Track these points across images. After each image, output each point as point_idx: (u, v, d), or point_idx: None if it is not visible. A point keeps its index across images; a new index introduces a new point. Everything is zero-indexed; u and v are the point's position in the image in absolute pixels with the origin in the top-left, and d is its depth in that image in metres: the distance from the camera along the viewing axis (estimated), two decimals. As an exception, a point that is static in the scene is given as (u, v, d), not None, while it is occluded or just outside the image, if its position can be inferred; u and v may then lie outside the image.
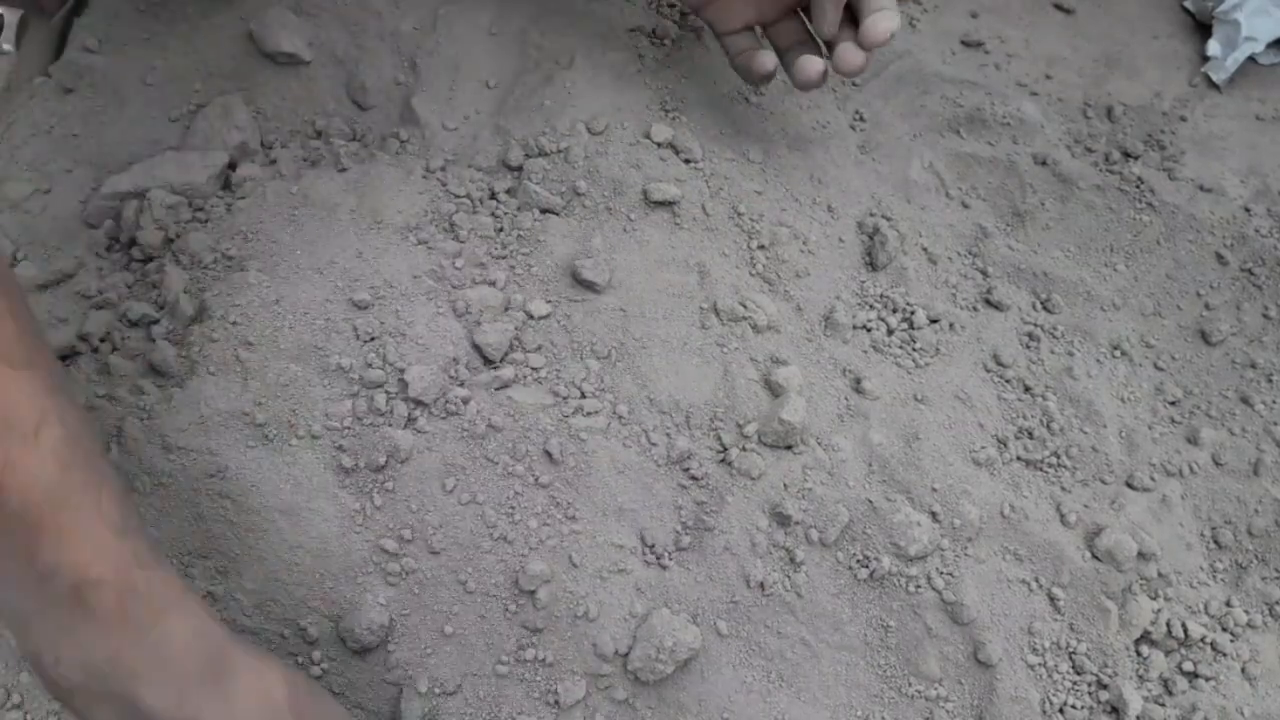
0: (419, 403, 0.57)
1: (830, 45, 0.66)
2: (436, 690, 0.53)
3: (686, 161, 0.69)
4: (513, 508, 0.56)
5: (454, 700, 0.54)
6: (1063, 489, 0.66)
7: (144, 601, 0.42)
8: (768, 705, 0.56)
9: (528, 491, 0.57)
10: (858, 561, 0.59)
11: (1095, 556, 0.62)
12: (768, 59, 0.68)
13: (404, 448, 0.55)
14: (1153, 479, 0.68)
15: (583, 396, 0.59)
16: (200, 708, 0.43)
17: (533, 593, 0.55)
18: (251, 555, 0.54)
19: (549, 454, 0.57)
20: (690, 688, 0.56)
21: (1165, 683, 0.61)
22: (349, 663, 0.54)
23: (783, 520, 0.58)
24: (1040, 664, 0.59)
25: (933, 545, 0.59)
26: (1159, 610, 0.62)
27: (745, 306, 0.64)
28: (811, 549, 0.59)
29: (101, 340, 0.59)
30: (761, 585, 0.58)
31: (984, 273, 0.75)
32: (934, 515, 0.61)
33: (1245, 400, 0.72)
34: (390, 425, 0.56)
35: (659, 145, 0.69)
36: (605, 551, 0.57)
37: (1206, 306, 0.76)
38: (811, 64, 0.65)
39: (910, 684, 0.58)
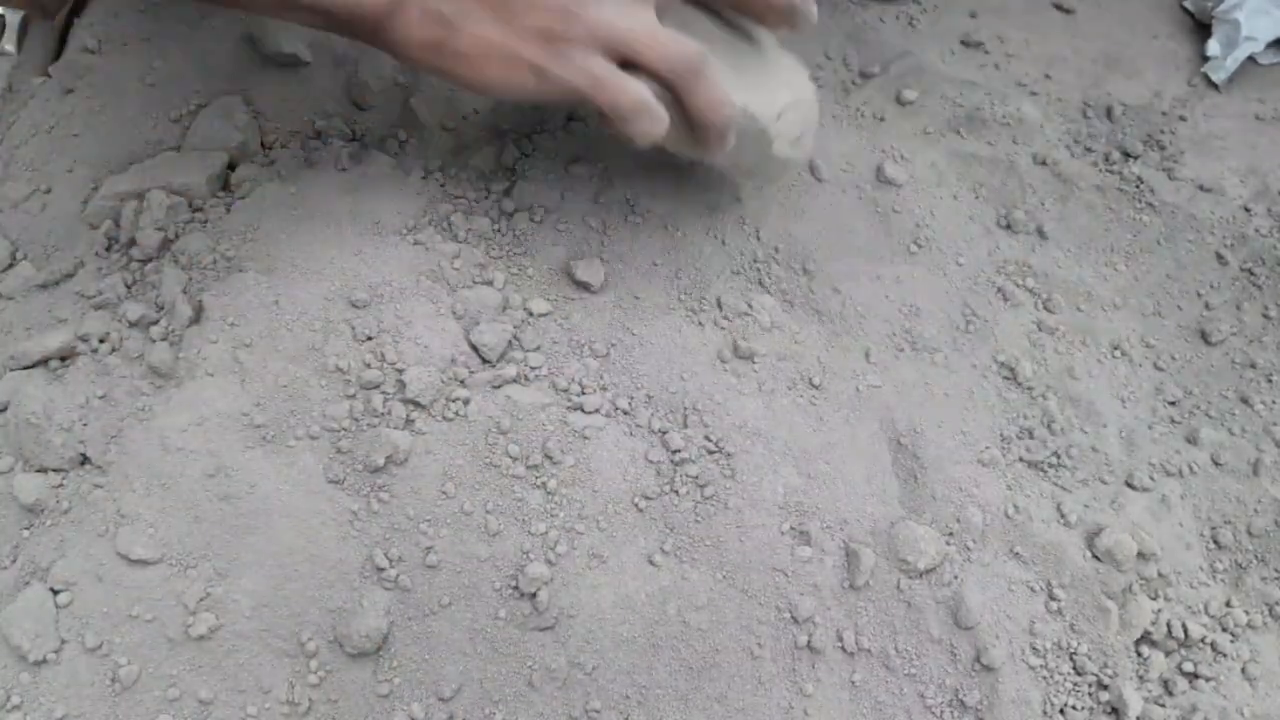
0: (417, 404, 0.57)
1: None
2: (434, 695, 0.53)
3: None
4: (512, 508, 0.56)
5: (453, 705, 0.54)
6: (1063, 489, 0.66)
7: None
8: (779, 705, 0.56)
9: (527, 492, 0.56)
10: (857, 562, 0.59)
11: (1095, 556, 0.62)
12: None
13: (403, 449, 0.55)
14: (1152, 479, 0.67)
15: (582, 394, 0.59)
16: None
17: (533, 595, 0.55)
18: (250, 557, 0.54)
19: (548, 453, 0.57)
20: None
21: (1165, 683, 0.61)
22: (346, 668, 0.54)
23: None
24: (1041, 665, 0.59)
25: (940, 556, 0.59)
26: (1159, 610, 0.62)
27: (749, 306, 0.64)
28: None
29: (100, 341, 0.59)
30: (761, 586, 0.58)
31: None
32: (935, 517, 0.60)
33: (1245, 400, 0.72)
34: (388, 426, 0.56)
35: (658, 145, 0.69)
36: (606, 551, 0.56)
37: (1206, 306, 0.76)
38: None
39: (912, 685, 0.58)
